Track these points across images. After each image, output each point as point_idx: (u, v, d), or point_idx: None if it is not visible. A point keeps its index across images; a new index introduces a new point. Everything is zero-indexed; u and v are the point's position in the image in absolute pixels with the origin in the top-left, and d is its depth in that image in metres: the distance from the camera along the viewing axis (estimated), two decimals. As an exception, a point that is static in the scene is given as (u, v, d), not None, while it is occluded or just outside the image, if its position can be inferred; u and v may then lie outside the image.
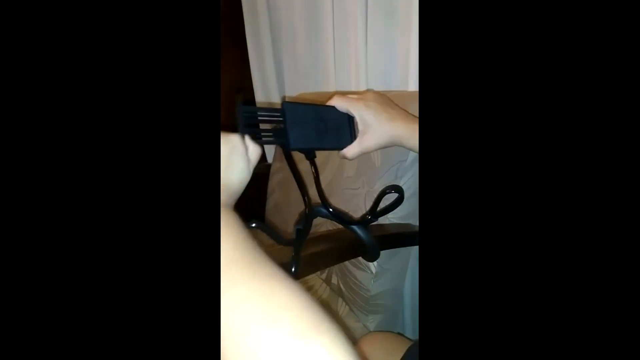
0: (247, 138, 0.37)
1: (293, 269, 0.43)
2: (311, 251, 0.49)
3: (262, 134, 0.41)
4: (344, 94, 0.52)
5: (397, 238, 0.64)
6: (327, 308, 0.69)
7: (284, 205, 0.95)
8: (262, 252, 0.25)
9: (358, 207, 0.68)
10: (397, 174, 0.62)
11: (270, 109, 0.43)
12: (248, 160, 0.36)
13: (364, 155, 0.68)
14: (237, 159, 0.34)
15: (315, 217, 0.53)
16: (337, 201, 0.73)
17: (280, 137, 0.43)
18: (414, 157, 0.61)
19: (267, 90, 1.24)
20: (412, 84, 0.74)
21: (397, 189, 0.56)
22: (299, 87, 1.13)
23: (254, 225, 0.35)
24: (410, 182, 0.63)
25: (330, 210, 0.50)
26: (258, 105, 1.25)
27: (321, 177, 0.78)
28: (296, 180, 0.46)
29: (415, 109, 0.59)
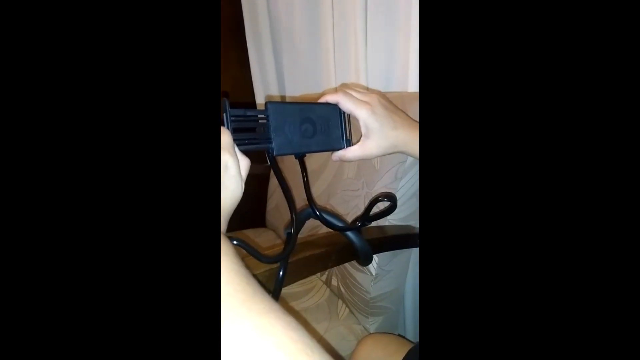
0: (237, 150, 0.35)
1: (281, 273, 0.42)
2: (305, 254, 0.49)
3: (248, 140, 0.38)
4: (347, 88, 0.49)
5: (397, 240, 0.64)
6: (327, 310, 0.69)
7: (285, 206, 0.95)
8: (256, 284, 0.25)
9: (358, 209, 0.67)
10: (396, 175, 0.62)
11: (258, 110, 0.40)
12: (240, 177, 0.33)
13: (364, 157, 0.68)
14: (229, 180, 0.32)
15: (304, 221, 0.51)
16: (337, 202, 0.73)
17: (264, 142, 0.40)
18: (413, 158, 0.61)
19: (267, 91, 1.24)
20: (412, 85, 0.74)
21: (390, 197, 0.55)
22: (299, 87, 1.13)
23: (235, 242, 0.33)
24: (409, 184, 0.62)
25: (317, 213, 0.49)
26: (258, 107, 1.25)
27: (321, 178, 0.79)
28: (281, 186, 0.43)
29: (415, 110, 0.58)
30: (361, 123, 0.46)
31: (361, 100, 0.47)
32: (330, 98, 0.46)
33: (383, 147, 0.47)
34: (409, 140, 0.48)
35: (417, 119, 0.52)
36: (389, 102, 0.50)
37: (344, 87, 0.50)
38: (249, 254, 0.37)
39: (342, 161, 0.48)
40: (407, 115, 0.51)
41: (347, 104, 0.46)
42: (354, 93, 0.48)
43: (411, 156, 0.51)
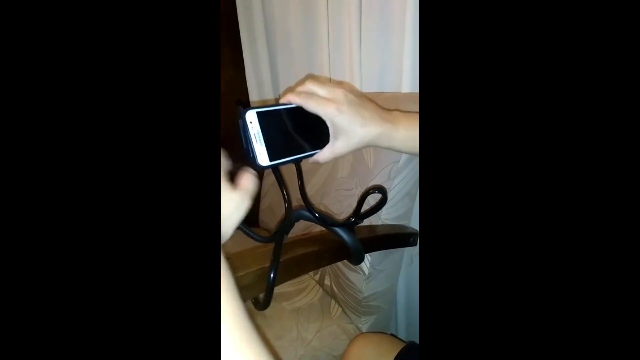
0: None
1: (272, 274, 0.42)
2: (298, 253, 0.49)
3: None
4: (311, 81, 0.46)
5: (390, 239, 0.64)
6: (320, 309, 0.69)
7: (278, 206, 0.95)
8: (249, 320, 0.24)
9: (351, 208, 0.67)
10: (390, 174, 0.62)
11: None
12: (248, 196, 0.30)
13: (358, 157, 0.68)
14: (225, 201, 0.28)
15: (298, 220, 0.52)
16: (331, 202, 0.73)
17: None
18: (407, 157, 0.61)
19: (262, 90, 1.23)
20: (406, 85, 0.74)
21: (380, 189, 0.56)
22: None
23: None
24: (403, 183, 0.63)
25: (310, 212, 0.49)
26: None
27: (315, 178, 0.79)
28: (278, 182, 0.44)
29: (408, 109, 0.59)
30: (328, 123, 0.44)
31: (325, 99, 0.44)
32: (292, 100, 0.44)
33: (353, 145, 0.46)
34: (380, 134, 0.46)
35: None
36: (357, 95, 0.47)
37: (309, 80, 0.47)
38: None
39: (317, 163, 0.47)
40: (377, 106, 0.48)
41: (310, 105, 0.43)
42: (317, 89, 0.45)
43: (384, 148, 0.49)
